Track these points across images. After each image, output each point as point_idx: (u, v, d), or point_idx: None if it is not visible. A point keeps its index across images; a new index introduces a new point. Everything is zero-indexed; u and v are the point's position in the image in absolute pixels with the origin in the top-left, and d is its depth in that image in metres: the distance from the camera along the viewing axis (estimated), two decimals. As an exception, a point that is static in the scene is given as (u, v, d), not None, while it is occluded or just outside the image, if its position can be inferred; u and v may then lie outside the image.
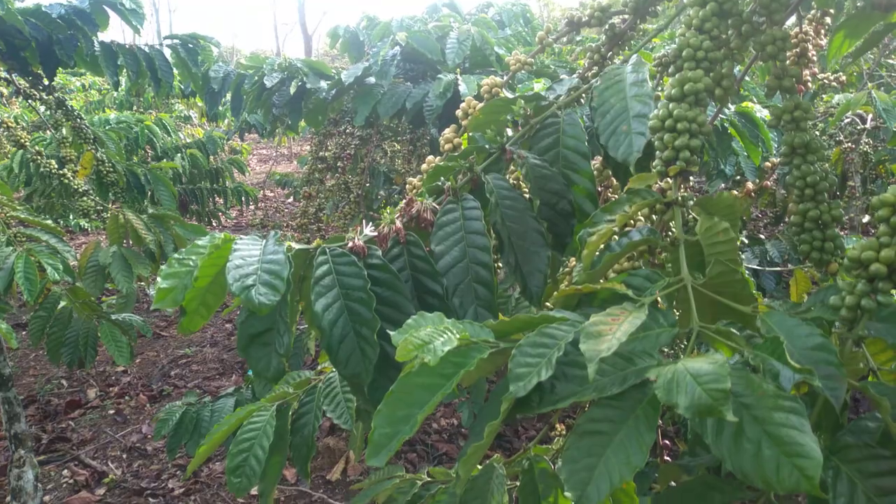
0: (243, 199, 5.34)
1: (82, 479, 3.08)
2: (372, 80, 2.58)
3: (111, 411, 3.74)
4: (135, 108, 6.86)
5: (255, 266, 0.83)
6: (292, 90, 2.55)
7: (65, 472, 3.15)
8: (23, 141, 2.23)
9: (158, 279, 0.82)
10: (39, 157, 2.24)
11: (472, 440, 0.73)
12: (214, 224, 5.45)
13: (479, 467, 1.16)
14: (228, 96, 2.87)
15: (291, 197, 7.81)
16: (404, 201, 1.05)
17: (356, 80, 2.47)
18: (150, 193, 2.84)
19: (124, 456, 3.28)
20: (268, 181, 8.75)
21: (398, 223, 1.00)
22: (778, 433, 0.62)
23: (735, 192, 1.48)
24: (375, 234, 0.99)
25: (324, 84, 2.65)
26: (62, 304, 2.36)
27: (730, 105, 2.57)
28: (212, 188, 5.25)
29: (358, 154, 3.44)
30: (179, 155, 4.79)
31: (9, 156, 4.59)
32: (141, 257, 2.38)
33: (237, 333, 0.92)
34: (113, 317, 2.39)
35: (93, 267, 2.34)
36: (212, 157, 5.46)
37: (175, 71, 2.64)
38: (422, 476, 1.17)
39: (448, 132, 1.28)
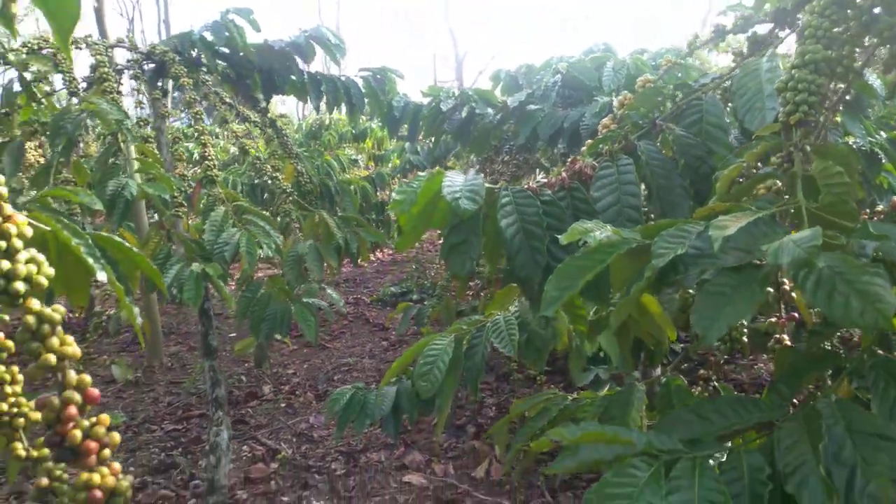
0: (403, 229, 5.84)
1: (259, 454, 3.51)
2: (533, 106, 2.90)
3: (283, 404, 4.22)
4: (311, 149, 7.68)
5: (460, 187, 1.13)
6: (463, 114, 2.92)
7: (244, 447, 3.61)
8: (248, 148, 2.74)
9: (394, 195, 1.14)
10: (259, 162, 2.75)
11: (622, 303, 0.97)
12: (377, 253, 5.96)
13: (620, 389, 1.37)
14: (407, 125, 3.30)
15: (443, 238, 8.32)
16: (569, 161, 1.31)
17: (520, 104, 2.80)
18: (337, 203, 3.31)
19: (294, 440, 3.70)
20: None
21: (564, 174, 1.27)
22: (864, 289, 0.81)
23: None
24: (546, 181, 1.26)
25: (490, 111, 3.01)
26: (262, 289, 2.82)
27: (881, 132, 2.63)
28: (376, 220, 5.79)
29: (513, 181, 3.77)
30: (352, 187, 5.37)
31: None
32: (330, 251, 2.80)
33: (441, 246, 1.22)
34: (304, 300, 2.81)
35: (292, 256, 2.78)
36: (378, 193, 6.03)
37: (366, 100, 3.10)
38: (571, 395, 1.41)
39: (606, 120, 1.54)
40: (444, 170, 1.19)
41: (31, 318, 0.76)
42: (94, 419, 0.80)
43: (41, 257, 0.78)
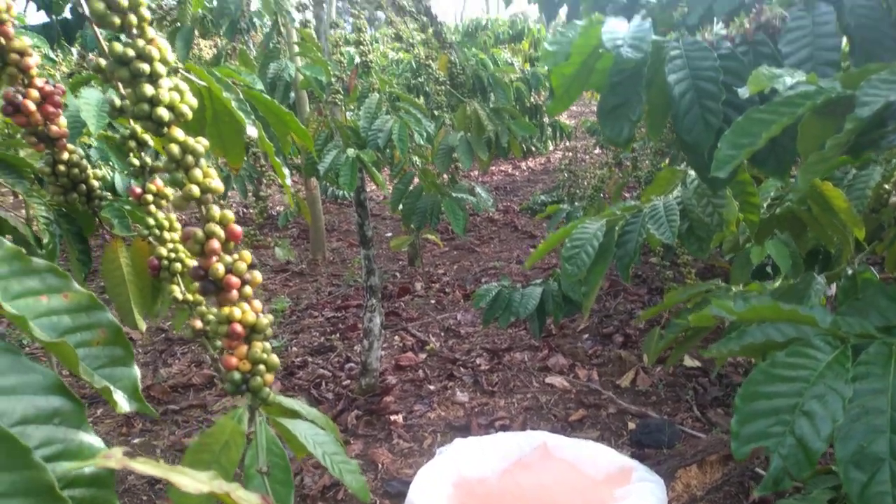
0: (557, 133, 5.64)
1: (409, 344, 3.64)
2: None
3: (433, 300, 4.32)
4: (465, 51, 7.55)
5: (623, 35, 1.00)
6: (629, -4, 2.68)
7: (396, 337, 3.75)
8: (367, 50, 2.69)
9: (545, 45, 1.03)
10: (411, 48, 2.70)
11: (813, 157, 0.82)
12: (528, 161, 5.82)
13: (794, 281, 1.21)
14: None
15: (598, 148, 7.97)
16: (753, 11, 1.13)
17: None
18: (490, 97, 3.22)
19: (442, 334, 3.79)
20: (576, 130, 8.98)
21: (748, 25, 1.10)
22: None
23: None
24: (725, 33, 1.10)
25: (659, -7, 2.73)
26: (415, 182, 2.82)
27: None
28: (529, 122, 5.63)
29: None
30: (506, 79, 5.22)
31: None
32: (481, 144, 2.74)
33: (598, 107, 1.10)
34: (453, 194, 2.78)
35: (443, 148, 2.75)
36: (533, 96, 5.83)
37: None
38: (736, 287, 1.27)
39: (801, -27, 1.31)
40: (601, 17, 1.06)
41: (174, 147, 0.76)
42: (236, 255, 0.79)
43: (184, 86, 0.77)
